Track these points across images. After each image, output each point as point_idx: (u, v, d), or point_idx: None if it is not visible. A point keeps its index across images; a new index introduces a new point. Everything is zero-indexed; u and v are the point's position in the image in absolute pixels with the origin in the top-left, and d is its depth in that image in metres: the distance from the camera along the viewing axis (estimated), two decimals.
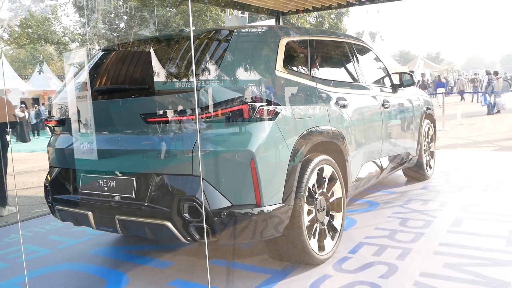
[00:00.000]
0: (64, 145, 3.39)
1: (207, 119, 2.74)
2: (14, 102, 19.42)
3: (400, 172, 5.89)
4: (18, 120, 16.28)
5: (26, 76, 29.42)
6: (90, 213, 3.09)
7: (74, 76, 3.59)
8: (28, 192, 7.53)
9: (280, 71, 3.15)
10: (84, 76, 3.44)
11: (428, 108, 5.80)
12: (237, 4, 7.59)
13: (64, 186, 3.36)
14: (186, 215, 2.70)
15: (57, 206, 3.37)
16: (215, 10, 20.85)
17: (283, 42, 3.33)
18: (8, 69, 24.42)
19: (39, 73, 26.18)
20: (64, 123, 3.42)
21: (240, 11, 10.16)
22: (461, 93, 26.11)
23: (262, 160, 2.75)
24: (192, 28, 2.89)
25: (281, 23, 8.30)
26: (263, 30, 3.48)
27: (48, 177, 3.50)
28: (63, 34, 23.58)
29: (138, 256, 3.75)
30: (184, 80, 2.88)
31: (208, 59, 2.94)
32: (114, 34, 22.77)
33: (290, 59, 3.40)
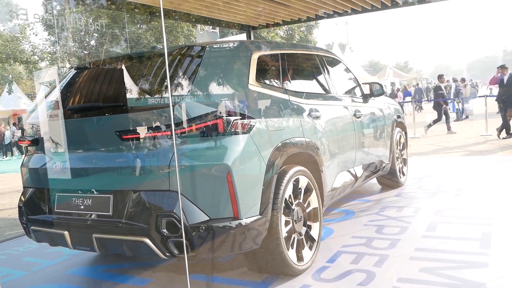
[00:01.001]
0: (38, 165, 3.34)
1: (183, 135, 2.75)
2: None
3: (374, 181, 5.98)
4: None
5: None
6: (66, 233, 3.04)
7: (47, 95, 3.56)
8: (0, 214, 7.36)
9: (253, 84, 3.20)
10: (57, 95, 3.42)
11: (398, 117, 5.93)
12: (208, 19, 7.65)
13: (39, 206, 3.30)
14: (164, 230, 2.69)
15: (32, 227, 3.31)
16: (186, 26, 20.88)
17: (255, 56, 3.38)
18: None
19: (9, 93, 25.67)
20: (38, 142, 3.38)
21: (211, 27, 10.22)
22: (418, 101, 24.13)
23: (238, 173, 2.77)
24: (165, 44, 2.91)
25: (252, 38, 8.38)
26: (235, 45, 3.52)
27: (22, 197, 3.44)
28: (32, 53, 23.21)
29: (117, 274, 3.70)
30: (158, 96, 2.89)
31: (181, 75, 2.97)
32: (85, 52, 22.55)
33: (262, 73, 3.45)
